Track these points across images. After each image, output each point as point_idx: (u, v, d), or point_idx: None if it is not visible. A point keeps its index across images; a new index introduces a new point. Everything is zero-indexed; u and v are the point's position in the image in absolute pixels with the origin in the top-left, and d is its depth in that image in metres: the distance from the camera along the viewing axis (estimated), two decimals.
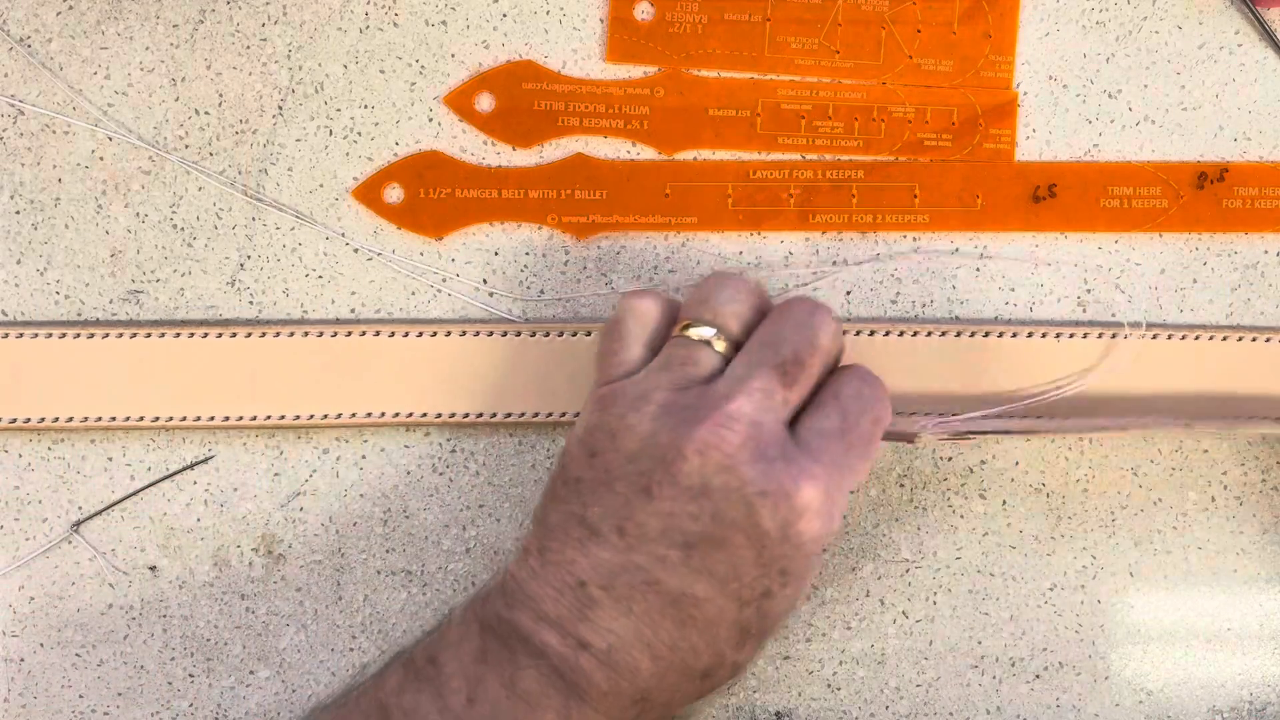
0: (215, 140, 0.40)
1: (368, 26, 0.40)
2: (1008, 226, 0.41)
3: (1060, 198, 0.41)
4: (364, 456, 0.41)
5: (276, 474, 0.41)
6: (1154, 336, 0.41)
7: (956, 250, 0.41)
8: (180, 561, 0.41)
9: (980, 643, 0.42)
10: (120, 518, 0.41)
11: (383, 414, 0.40)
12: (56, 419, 0.40)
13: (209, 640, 0.41)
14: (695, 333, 0.34)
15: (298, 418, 0.40)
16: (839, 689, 0.42)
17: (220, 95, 0.40)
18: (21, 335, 0.39)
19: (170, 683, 0.41)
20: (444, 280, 0.41)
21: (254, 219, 0.40)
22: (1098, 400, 0.40)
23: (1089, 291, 0.42)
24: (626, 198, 0.41)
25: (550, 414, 0.40)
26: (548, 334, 0.40)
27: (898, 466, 0.41)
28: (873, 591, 0.42)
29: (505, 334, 0.40)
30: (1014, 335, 0.40)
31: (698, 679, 0.33)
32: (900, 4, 0.40)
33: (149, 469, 0.41)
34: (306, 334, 0.40)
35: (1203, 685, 0.43)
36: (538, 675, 0.32)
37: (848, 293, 0.41)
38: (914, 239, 0.41)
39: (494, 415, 0.40)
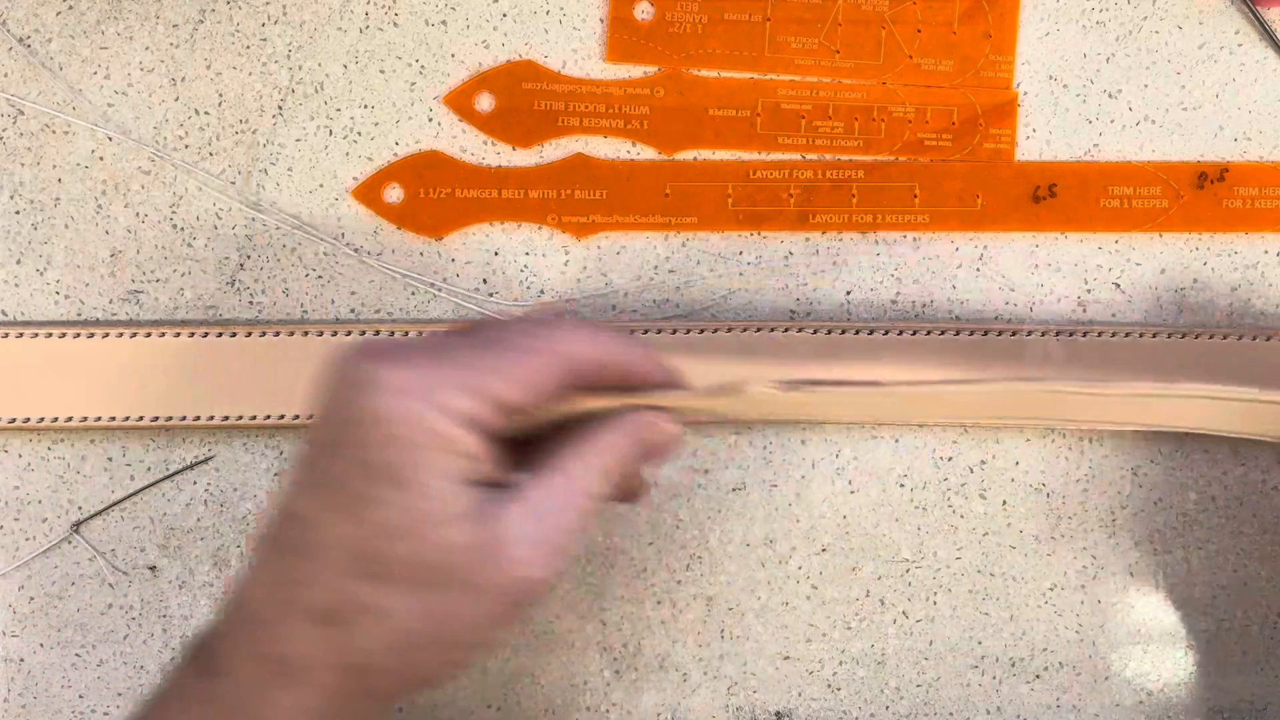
0: (215, 140, 0.40)
1: (368, 26, 0.40)
2: (1008, 226, 0.41)
3: (1060, 198, 0.41)
4: None
5: (276, 474, 0.41)
6: (1153, 336, 0.41)
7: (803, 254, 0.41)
8: (180, 561, 0.41)
9: (980, 643, 0.42)
10: (120, 518, 0.41)
11: None
12: (56, 419, 0.40)
13: None
14: None
15: (297, 417, 0.40)
16: (839, 689, 0.42)
17: (220, 95, 0.40)
18: (21, 335, 0.39)
19: None
20: (444, 280, 0.41)
21: (254, 219, 0.40)
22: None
23: (1089, 291, 0.42)
24: (626, 198, 0.41)
25: None
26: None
27: (898, 466, 0.41)
28: (873, 591, 0.42)
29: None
30: (1014, 335, 0.40)
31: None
32: (900, 4, 0.40)
33: (149, 469, 0.41)
34: (306, 334, 0.40)
35: (1203, 685, 0.43)
36: None
37: (848, 292, 0.41)
38: (914, 239, 0.41)
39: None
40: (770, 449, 0.41)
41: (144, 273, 0.40)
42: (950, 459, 0.41)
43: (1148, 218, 0.41)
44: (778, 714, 0.42)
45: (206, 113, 0.40)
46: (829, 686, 0.42)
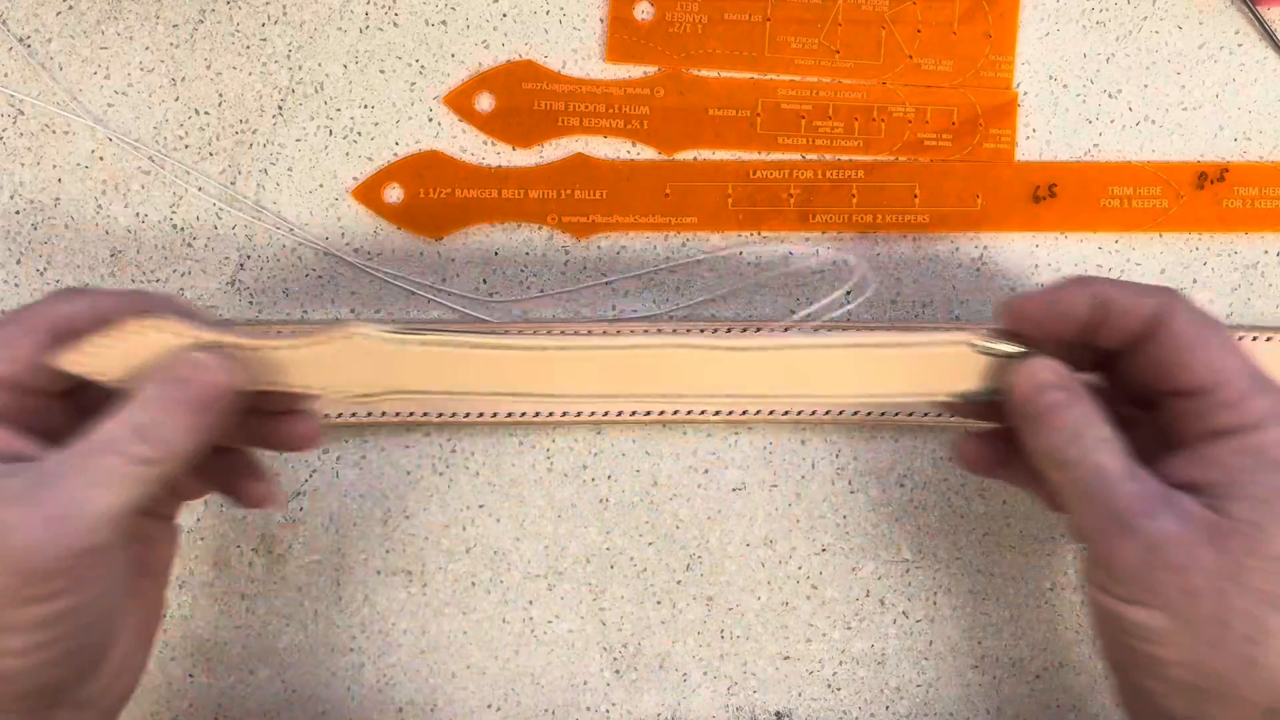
0: (215, 140, 0.40)
1: (368, 26, 0.40)
2: (1008, 226, 0.41)
3: (1060, 198, 0.41)
4: (364, 456, 0.41)
5: (276, 474, 0.41)
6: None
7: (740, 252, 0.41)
8: (180, 561, 0.41)
9: (980, 643, 0.42)
10: None
11: (383, 414, 0.40)
12: None
13: (209, 640, 0.41)
14: None
15: None
16: (839, 689, 0.42)
17: (220, 95, 0.40)
18: None
19: (170, 683, 0.41)
20: (444, 280, 0.41)
21: (254, 219, 0.40)
22: None
23: None
24: (626, 198, 0.41)
25: (551, 414, 0.40)
26: (549, 334, 0.40)
27: (898, 466, 0.41)
28: (873, 591, 0.42)
29: (505, 334, 0.40)
30: None
31: None
32: (900, 4, 0.40)
33: None
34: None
35: None
36: None
37: (847, 292, 0.41)
38: (914, 239, 0.41)
39: (494, 415, 0.40)
40: (770, 449, 0.41)
41: (144, 273, 0.40)
42: (950, 459, 0.41)
43: (1148, 218, 0.41)
44: (778, 714, 0.42)
45: (206, 113, 0.40)
46: (829, 686, 0.42)
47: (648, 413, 0.40)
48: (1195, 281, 0.42)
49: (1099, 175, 0.41)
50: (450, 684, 0.41)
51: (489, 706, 0.41)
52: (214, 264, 0.40)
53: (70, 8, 0.40)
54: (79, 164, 0.40)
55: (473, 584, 0.41)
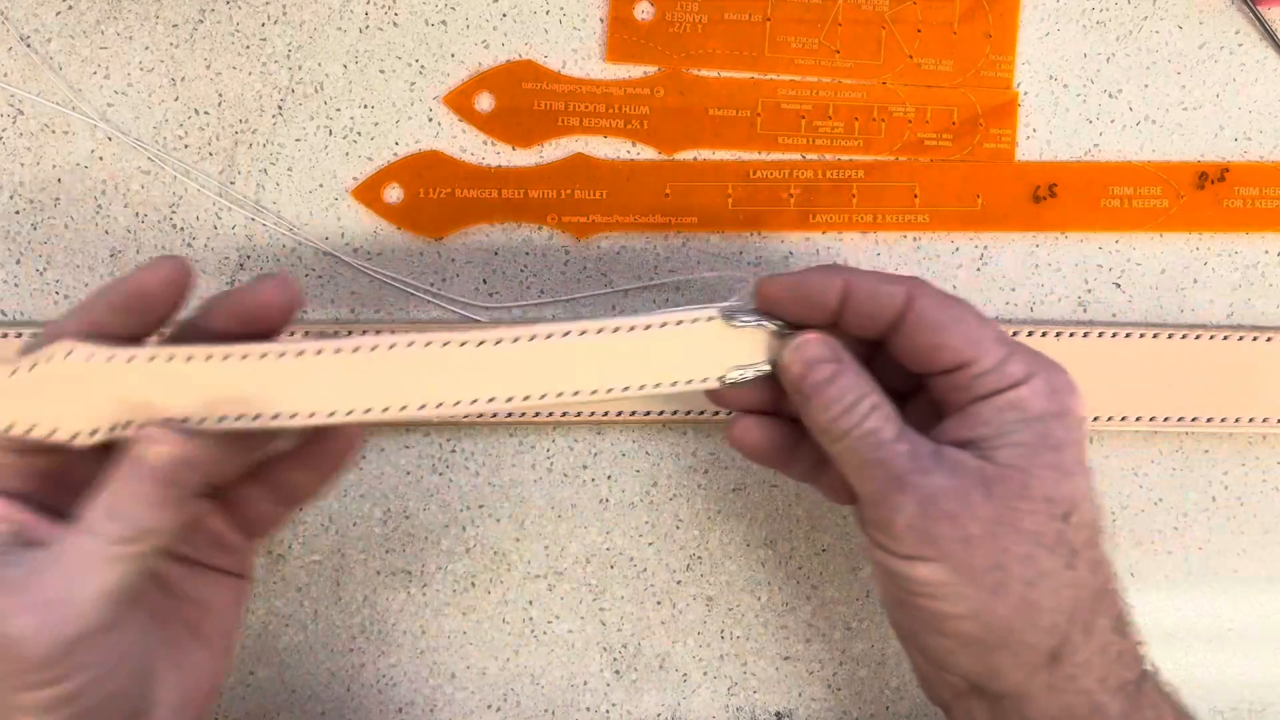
0: (215, 140, 0.40)
1: (368, 26, 0.40)
2: (1008, 226, 0.41)
3: (1060, 198, 0.41)
4: (364, 456, 0.41)
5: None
6: (1153, 336, 0.41)
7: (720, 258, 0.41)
8: None
9: None
10: None
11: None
12: None
13: None
14: None
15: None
16: (839, 689, 0.42)
17: (220, 95, 0.40)
18: (21, 335, 0.39)
19: None
20: (444, 280, 0.41)
21: (253, 219, 0.40)
22: None
23: (1089, 291, 0.42)
24: (626, 198, 0.41)
25: (550, 414, 0.40)
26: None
27: None
28: (873, 592, 0.42)
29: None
30: (1014, 335, 0.40)
31: None
32: (900, 4, 0.40)
33: None
34: (307, 333, 0.40)
35: (1203, 685, 0.43)
36: None
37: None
38: (914, 239, 0.41)
39: (494, 415, 0.40)
40: None
41: None
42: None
43: (1148, 218, 0.41)
44: (778, 714, 0.42)
45: (206, 113, 0.40)
46: (829, 687, 0.42)
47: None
48: (1195, 281, 0.42)
49: (1099, 175, 0.41)
50: (450, 684, 0.41)
51: (489, 707, 0.41)
52: (214, 264, 0.40)
53: (70, 8, 0.40)
54: (79, 164, 0.40)
55: (473, 584, 0.41)
